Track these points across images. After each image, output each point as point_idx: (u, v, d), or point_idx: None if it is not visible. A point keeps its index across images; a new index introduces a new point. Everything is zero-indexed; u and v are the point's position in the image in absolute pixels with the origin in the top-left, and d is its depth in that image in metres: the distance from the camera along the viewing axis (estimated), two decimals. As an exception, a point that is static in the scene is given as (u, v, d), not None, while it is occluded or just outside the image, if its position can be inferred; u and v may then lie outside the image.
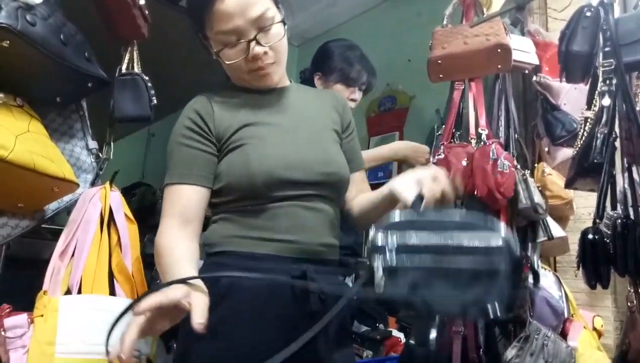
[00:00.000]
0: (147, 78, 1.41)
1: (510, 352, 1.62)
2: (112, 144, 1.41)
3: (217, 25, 0.96)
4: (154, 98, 1.39)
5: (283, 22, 1.00)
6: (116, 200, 1.20)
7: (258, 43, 0.97)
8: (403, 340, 1.91)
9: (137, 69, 1.42)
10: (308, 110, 1.09)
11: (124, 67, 1.41)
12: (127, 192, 3.48)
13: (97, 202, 1.17)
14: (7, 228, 1.20)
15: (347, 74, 1.67)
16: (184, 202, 0.96)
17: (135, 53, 1.44)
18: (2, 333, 0.96)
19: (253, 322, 0.90)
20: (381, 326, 1.88)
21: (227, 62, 1.00)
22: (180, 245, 0.91)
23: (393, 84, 3.04)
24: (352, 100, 1.66)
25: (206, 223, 1.01)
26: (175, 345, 2.79)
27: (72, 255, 1.10)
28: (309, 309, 0.88)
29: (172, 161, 0.99)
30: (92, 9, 1.44)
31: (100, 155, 1.38)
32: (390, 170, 2.87)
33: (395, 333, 1.95)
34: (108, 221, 1.17)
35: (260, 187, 0.95)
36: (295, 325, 0.86)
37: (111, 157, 1.39)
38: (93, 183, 1.32)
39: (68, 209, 1.24)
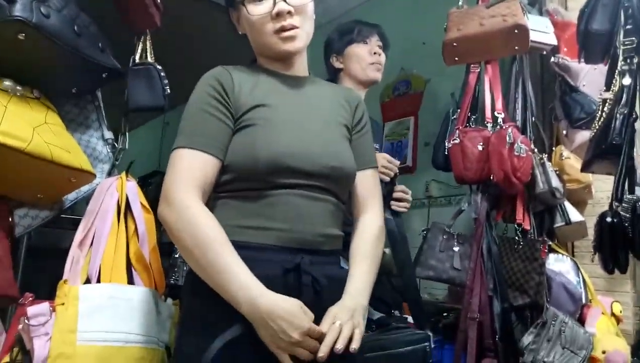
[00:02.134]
0: (160, 67, 1.42)
1: (527, 338, 1.62)
2: (127, 133, 1.43)
3: None
4: (167, 87, 1.40)
5: None
6: (132, 189, 1.22)
7: (284, 0, 0.97)
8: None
9: (150, 59, 1.43)
10: (321, 102, 1.08)
11: (137, 57, 1.42)
12: (143, 181, 3.51)
13: (113, 192, 1.19)
14: (27, 219, 1.23)
15: (354, 32, 1.65)
16: (206, 171, 0.93)
17: (148, 42, 1.44)
18: (26, 321, 0.98)
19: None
20: (396, 312, 1.87)
21: (252, 18, 0.99)
22: (217, 227, 0.89)
23: (407, 68, 3.00)
24: (375, 53, 1.64)
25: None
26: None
27: (91, 244, 1.12)
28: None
29: (193, 126, 0.96)
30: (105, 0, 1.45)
31: (116, 145, 1.40)
32: (405, 155, 2.85)
33: (411, 319, 1.95)
34: (125, 210, 1.19)
35: (263, 172, 0.94)
36: None
37: (127, 147, 1.40)
38: (109, 173, 1.34)
39: (86, 199, 1.26)
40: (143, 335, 1.06)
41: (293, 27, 1.00)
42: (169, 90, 1.41)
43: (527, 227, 1.78)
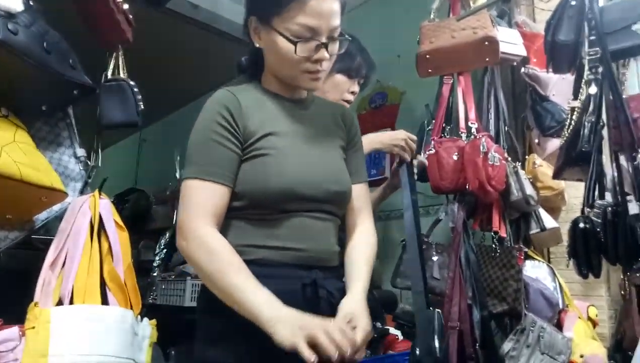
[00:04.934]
0: (133, 83, 1.40)
1: (507, 345, 1.63)
2: (100, 151, 1.40)
3: (302, 18, 0.97)
4: (141, 103, 1.38)
5: (344, 38, 1.05)
6: (106, 207, 1.19)
7: (326, 49, 1.01)
8: (400, 337, 1.91)
9: (123, 75, 1.41)
10: (322, 124, 1.13)
11: (109, 73, 1.40)
12: (120, 199, 3.46)
13: (86, 211, 1.16)
14: (-3, 241, 1.19)
15: (349, 64, 1.63)
16: (218, 201, 0.96)
17: (120, 58, 1.43)
18: (-5, 347, 0.95)
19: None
20: (378, 324, 1.87)
21: (289, 55, 1.00)
22: (232, 253, 0.93)
23: (383, 80, 3.03)
24: (353, 92, 1.63)
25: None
26: (173, 353, 2.77)
27: (63, 265, 1.09)
28: (319, 313, 0.90)
29: (203, 155, 0.98)
30: (75, 16, 1.43)
31: (89, 163, 1.37)
32: (382, 167, 2.87)
33: (393, 331, 1.95)
34: (98, 229, 1.16)
35: (275, 201, 0.98)
36: None
37: (100, 165, 1.38)
38: (82, 192, 1.31)
39: (58, 218, 1.23)
40: (118, 357, 1.03)
41: (322, 73, 1.05)
42: (142, 107, 1.39)
43: (504, 235, 1.80)
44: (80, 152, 1.35)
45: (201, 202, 0.95)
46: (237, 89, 1.06)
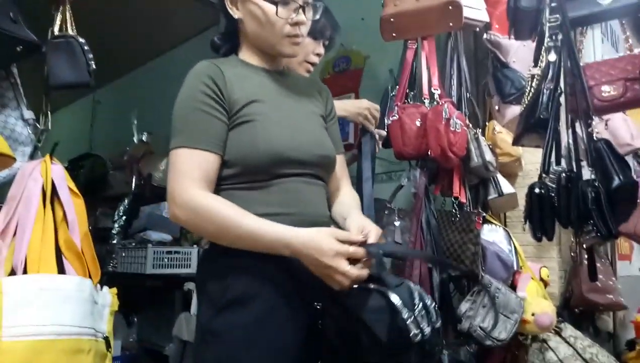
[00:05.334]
0: (83, 41, 1.32)
1: (464, 306, 1.69)
2: (49, 113, 1.32)
3: None
4: (92, 62, 1.31)
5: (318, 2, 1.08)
6: (58, 173, 1.14)
7: (304, 12, 1.05)
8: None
9: (71, 31, 1.32)
10: (301, 95, 1.15)
11: (56, 29, 1.31)
12: (74, 165, 3.33)
13: (37, 176, 1.10)
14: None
15: (313, 25, 1.58)
16: (208, 168, 0.97)
17: (68, 13, 1.33)
18: (-57, 318, 0.90)
19: (271, 290, 0.97)
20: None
21: (272, 16, 1.03)
22: (228, 204, 0.95)
23: (347, 44, 2.99)
24: (318, 54, 1.59)
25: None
26: (135, 320, 2.76)
27: (14, 233, 1.05)
28: (316, 278, 0.93)
29: (188, 125, 0.99)
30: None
31: (38, 125, 1.30)
32: (347, 133, 2.86)
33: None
34: (51, 196, 1.11)
35: (266, 165, 0.99)
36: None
37: (49, 128, 1.31)
38: (32, 157, 1.25)
39: (7, 184, 1.17)
40: (77, 326, 1.00)
41: (301, 36, 1.08)
42: (94, 66, 1.32)
43: (463, 200, 1.84)
44: (28, 114, 1.28)
45: (190, 170, 0.95)
46: (218, 61, 1.07)
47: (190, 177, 0.95)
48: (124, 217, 2.91)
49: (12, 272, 1.00)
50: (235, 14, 1.08)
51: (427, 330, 0.87)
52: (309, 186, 1.05)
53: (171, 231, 2.62)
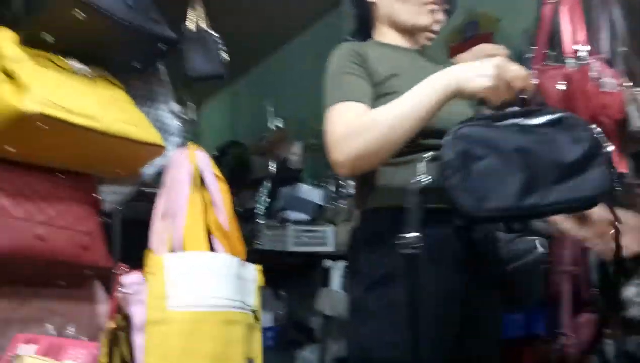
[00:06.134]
0: (216, 35, 1.42)
1: (631, 290, 1.49)
2: (193, 105, 1.45)
3: None
4: (224, 54, 1.40)
5: None
6: (203, 160, 1.24)
7: None
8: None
9: (204, 26, 1.42)
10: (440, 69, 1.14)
11: (190, 25, 1.42)
12: (221, 152, 3.63)
13: (186, 163, 1.22)
14: (113, 195, 1.30)
15: None
16: (362, 114, 0.97)
17: (201, 9, 1.44)
18: (122, 290, 1.05)
19: (431, 268, 0.94)
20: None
21: None
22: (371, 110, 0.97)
23: (474, 7, 2.80)
24: (437, 21, 1.53)
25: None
26: (284, 294, 2.93)
27: (172, 215, 1.17)
28: (473, 256, 0.96)
29: (338, 85, 1.03)
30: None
31: (185, 117, 1.43)
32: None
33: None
34: (199, 181, 1.22)
35: (415, 136, 0.97)
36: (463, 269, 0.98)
37: (195, 118, 1.43)
38: (181, 146, 1.38)
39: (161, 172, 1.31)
40: (230, 299, 1.09)
41: (438, 6, 1.12)
42: (226, 57, 1.41)
43: (624, 170, 1.63)
44: (176, 107, 1.42)
45: (346, 120, 0.96)
46: (358, 43, 1.12)
47: (346, 124, 0.96)
48: (266, 199, 3.11)
49: (172, 250, 1.13)
50: None
51: None
52: None
53: (308, 211, 2.73)
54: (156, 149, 1.24)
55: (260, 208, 2.99)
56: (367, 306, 0.98)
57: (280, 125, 3.35)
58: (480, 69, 0.88)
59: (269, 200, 2.99)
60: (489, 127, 0.87)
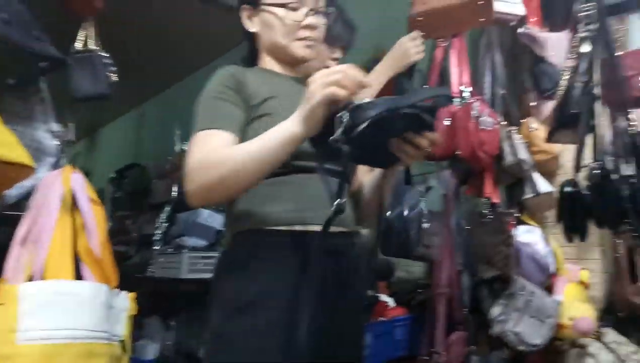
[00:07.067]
0: (105, 55, 1.37)
1: (496, 310, 1.61)
2: (72, 125, 1.38)
3: None
4: (112, 75, 1.35)
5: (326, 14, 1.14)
6: (78, 182, 1.18)
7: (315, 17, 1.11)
8: (391, 305, 1.91)
9: (93, 46, 1.37)
10: None
11: (79, 45, 1.37)
12: (120, 174, 3.47)
13: (58, 185, 1.15)
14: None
15: (328, 33, 1.59)
16: (224, 145, 0.96)
17: (92, 30, 1.39)
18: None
19: (287, 292, 0.94)
20: (370, 292, 1.87)
21: (283, 20, 1.09)
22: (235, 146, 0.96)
23: (379, 46, 2.95)
24: (335, 59, 1.60)
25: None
26: (173, 323, 2.80)
27: (34, 240, 1.09)
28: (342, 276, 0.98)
29: (208, 112, 1.02)
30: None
31: (64, 137, 1.35)
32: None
33: (385, 298, 1.95)
34: (71, 204, 1.15)
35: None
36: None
37: (74, 138, 1.36)
38: (56, 167, 1.30)
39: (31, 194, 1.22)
40: (92, 330, 1.03)
41: (313, 39, 1.13)
42: (115, 78, 1.37)
43: (496, 201, 1.76)
44: (55, 127, 1.34)
45: (207, 148, 0.95)
46: (240, 67, 1.13)
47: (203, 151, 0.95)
48: (165, 224, 2.99)
49: (31, 279, 1.04)
50: (252, 27, 1.14)
51: None
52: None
53: (208, 237, 2.66)
54: (24, 170, 1.15)
55: (158, 233, 2.87)
56: (230, 333, 0.96)
57: (186, 148, 3.27)
58: (319, 81, 0.85)
59: (167, 225, 2.88)
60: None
